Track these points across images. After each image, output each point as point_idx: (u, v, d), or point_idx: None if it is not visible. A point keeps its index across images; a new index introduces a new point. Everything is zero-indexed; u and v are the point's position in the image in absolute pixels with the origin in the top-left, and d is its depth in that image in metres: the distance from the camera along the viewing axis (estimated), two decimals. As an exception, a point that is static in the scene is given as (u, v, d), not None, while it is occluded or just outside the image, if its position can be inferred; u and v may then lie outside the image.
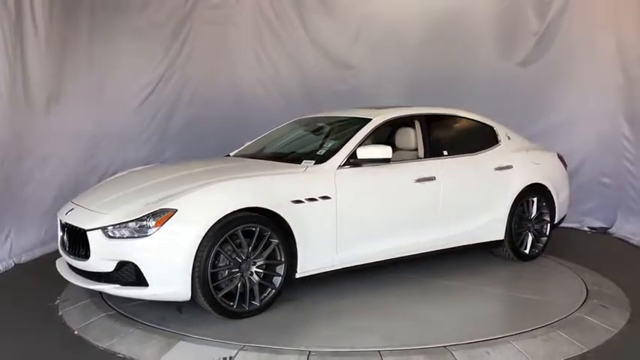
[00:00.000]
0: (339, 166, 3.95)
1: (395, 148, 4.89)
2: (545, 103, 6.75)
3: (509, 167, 4.81)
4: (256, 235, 3.51)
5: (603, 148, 6.48)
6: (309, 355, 3.04)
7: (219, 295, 3.41)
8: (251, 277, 3.55)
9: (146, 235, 3.27)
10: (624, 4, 6.21)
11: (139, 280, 3.31)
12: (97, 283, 3.46)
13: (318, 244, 3.78)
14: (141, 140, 6.89)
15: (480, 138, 4.93)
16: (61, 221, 3.81)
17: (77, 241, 3.55)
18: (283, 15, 7.00)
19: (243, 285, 3.53)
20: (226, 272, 3.47)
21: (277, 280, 3.65)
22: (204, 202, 3.42)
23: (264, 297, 3.60)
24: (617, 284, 4.45)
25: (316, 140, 4.72)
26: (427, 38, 6.92)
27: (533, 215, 5.00)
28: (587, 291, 4.19)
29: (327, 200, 3.78)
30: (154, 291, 3.32)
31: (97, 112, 6.39)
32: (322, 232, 3.80)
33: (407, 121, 4.65)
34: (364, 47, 7.01)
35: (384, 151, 3.95)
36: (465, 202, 4.57)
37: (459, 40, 6.89)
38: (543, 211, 5.06)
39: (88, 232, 3.41)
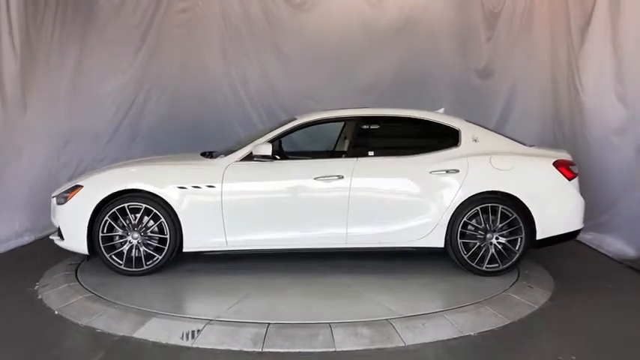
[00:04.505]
0: (237, 160, 4.51)
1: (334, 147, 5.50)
2: (494, 105, 7.40)
3: (454, 171, 4.54)
4: (141, 211, 4.39)
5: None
6: (267, 327, 3.46)
7: (109, 254, 4.40)
8: (139, 246, 4.43)
9: (64, 203, 4.43)
10: (557, 18, 6.92)
11: (62, 235, 4.47)
12: (55, 235, 4.61)
13: (205, 226, 4.44)
14: (112, 138, 7.14)
15: (431, 139, 4.78)
16: None
17: None
18: (249, 20, 7.27)
19: (135, 250, 4.45)
20: (117, 238, 4.41)
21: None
22: (100, 183, 4.44)
23: (150, 263, 4.44)
24: (547, 270, 4.95)
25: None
26: (390, 44, 7.37)
27: (494, 227, 4.57)
28: (519, 275, 4.68)
29: (211, 189, 4.39)
30: (67, 244, 4.50)
31: (69, 110, 6.64)
32: (207, 216, 4.41)
33: (351, 122, 5.00)
34: (327, 56, 7.35)
35: (265, 149, 4.41)
36: (380, 203, 4.51)
37: (419, 47, 7.40)
38: (515, 225, 4.58)
39: (51, 199, 4.66)
